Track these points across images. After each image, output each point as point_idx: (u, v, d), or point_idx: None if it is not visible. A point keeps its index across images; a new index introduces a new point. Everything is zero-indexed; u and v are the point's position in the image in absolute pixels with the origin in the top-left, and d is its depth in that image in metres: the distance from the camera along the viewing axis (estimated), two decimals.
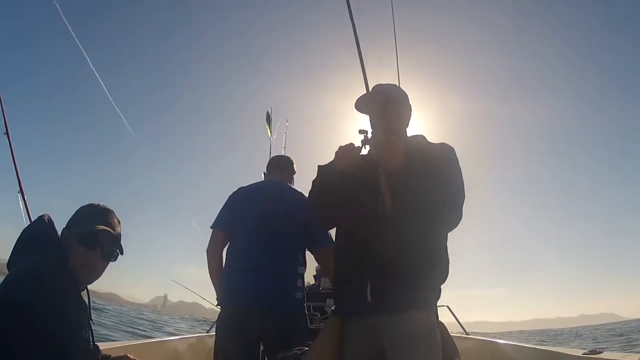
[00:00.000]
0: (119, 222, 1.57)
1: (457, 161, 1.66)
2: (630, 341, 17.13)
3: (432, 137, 1.78)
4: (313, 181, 1.78)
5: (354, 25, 1.76)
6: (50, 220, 1.51)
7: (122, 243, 1.56)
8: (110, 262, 1.54)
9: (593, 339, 21.36)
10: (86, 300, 1.50)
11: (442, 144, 1.71)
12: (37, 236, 1.46)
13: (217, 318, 2.42)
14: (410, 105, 1.82)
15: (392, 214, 1.52)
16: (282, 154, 5.52)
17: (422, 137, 1.81)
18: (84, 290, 1.51)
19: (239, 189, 2.49)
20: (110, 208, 1.58)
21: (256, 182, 2.56)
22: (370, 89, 1.78)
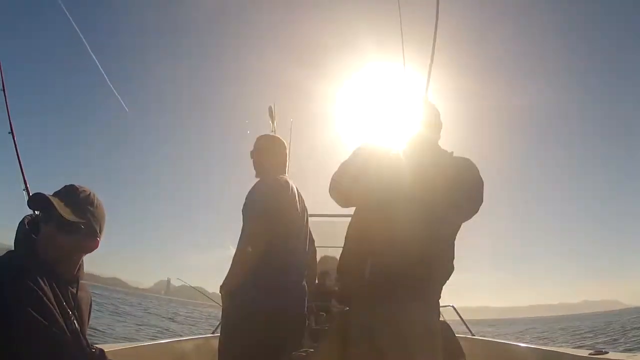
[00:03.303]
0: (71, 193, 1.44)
1: (480, 177, 1.65)
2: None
3: None
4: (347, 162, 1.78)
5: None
6: (29, 221, 1.44)
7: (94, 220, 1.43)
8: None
9: None
10: (75, 293, 1.42)
11: (467, 160, 1.69)
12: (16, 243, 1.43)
13: (237, 320, 2.13)
14: None
15: (406, 204, 1.54)
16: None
17: (450, 152, 1.81)
18: (74, 284, 1.43)
19: (279, 179, 2.32)
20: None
21: (284, 177, 2.39)
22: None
